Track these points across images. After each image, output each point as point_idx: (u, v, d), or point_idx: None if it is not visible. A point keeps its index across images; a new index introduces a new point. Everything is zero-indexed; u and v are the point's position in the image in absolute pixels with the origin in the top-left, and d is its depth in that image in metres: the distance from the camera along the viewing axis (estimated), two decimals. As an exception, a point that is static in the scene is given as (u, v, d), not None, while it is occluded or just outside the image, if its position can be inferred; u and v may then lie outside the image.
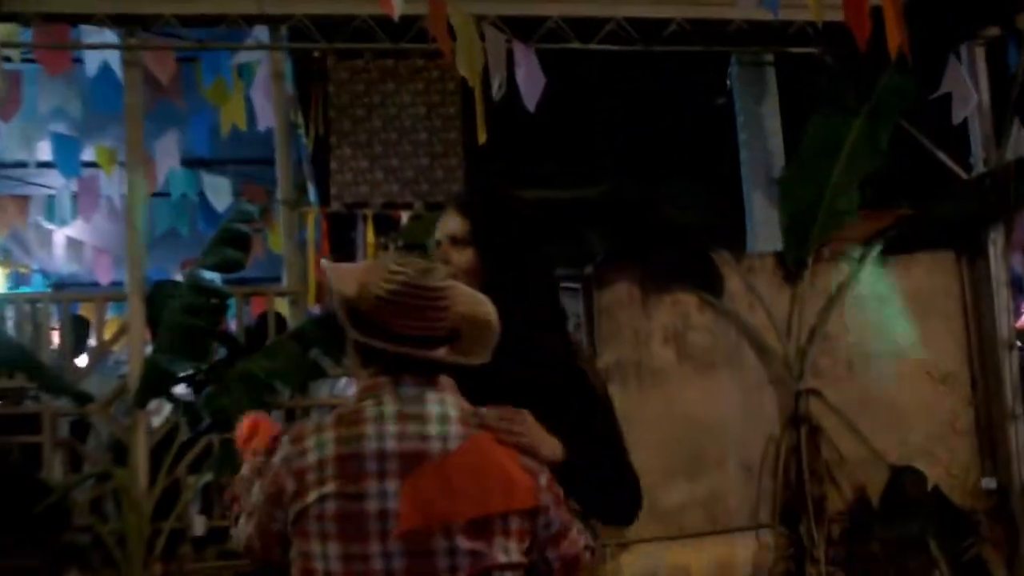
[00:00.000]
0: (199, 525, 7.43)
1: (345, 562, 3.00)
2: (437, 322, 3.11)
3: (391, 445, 3.05)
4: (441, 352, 3.12)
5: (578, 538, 3.22)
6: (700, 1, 7.94)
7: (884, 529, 7.36)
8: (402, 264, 3.12)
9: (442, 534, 3.00)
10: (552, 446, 3.17)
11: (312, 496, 3.01)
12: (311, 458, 3.04)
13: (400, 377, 3.15)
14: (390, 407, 3.11)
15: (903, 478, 7.42)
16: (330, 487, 3.02)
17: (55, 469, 7.46)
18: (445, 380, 3.18)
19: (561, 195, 6.94)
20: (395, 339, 3.09)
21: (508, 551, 3.05)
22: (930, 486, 7.43)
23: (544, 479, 3.13)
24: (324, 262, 3.29)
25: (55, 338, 8.23)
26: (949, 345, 7.87)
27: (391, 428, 3.08)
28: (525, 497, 3.08)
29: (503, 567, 3.04)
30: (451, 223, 3.48)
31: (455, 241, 3.47)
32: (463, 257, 3.46)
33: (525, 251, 3.51)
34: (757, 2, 6.91)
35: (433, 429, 3.09)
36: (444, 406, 3.14)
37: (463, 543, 3.00)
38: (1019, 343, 7.94)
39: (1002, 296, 7.77)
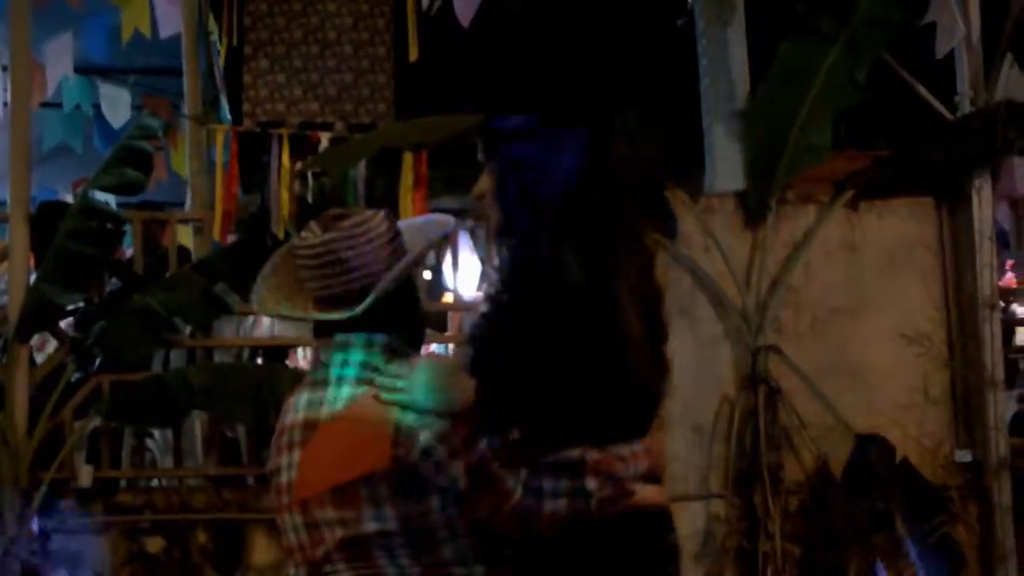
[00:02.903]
0: (85, 475, 7.42)
1: (282, 535, 3.34)
2: (332, 280, 3.31)
3: (299, 415, 3.31)
4: (326, 313, 3.33)
5: (512, 491, 3.24)
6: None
7: (846, 503, 7.43)
8: (317, 220, 3.35)
9: (316, 504, 3.21)
10: (457, 395, 3.25)
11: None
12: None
13: (318, 341, 3.42)
14: (310, 374, 3.42)
15: (869, 448, 7.50)
16: (269, 464, 3.40)
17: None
18: (358, 338, 3.33)
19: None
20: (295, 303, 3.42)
21: (382, 519, 3.17)
22: (898, 457, 7.49)
23: (427, 434, 3.17)
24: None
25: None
26: (924, 303, 7.89)
27: (304, 396, 3.34)
28: (376, 460, 3.16)
29: (375, 535, 3.18)
30: (480, 181, 3.63)
31: (482, 199, 3.62)
32: (492, 215, 3.59)
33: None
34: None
35: (329, 394, 3.28)
36: (344, 367, 3.31)
37: (329, 513, 3.19)
38: (1002, 303, 8.07)
39: (985, 250, 7.75)
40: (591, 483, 3.28)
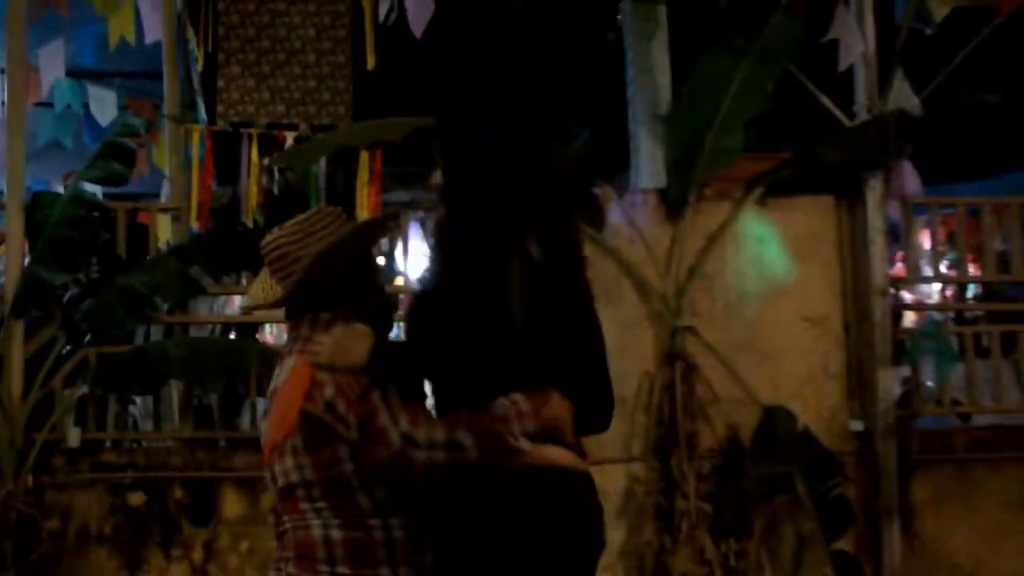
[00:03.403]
0: (74, 437, 7.81)
1: None
2: (282, 271, 3.69)
3: (271, 386, 3.72)
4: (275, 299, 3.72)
5: (392, 441, 3.48)
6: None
7: (754, 467, 7.90)
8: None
9: (269, 461, 3.64)
10: (358, 353, 3.53)
11: None
12: None
13: (287, 322, 3.80)
14: (283, 348, 3.77)
15: (774, 418, 7.94)
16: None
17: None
18: (308, 316, 3.70)
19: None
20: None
21: (301, 468, 3.53)
22: (800, 427, 7.97)
23: (330, 390, 3.49)
24: None
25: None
26: (825, 290, 8.39)
27: (277, 368, 3.74)
28: (295, 416, 3.52)
29: (299, 484, 3.55)
30: (435, 175, 3.88)
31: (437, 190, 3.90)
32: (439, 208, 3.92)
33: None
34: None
35: (285, 365, 3.68)
36: (295, 342, 3.68)
37: (275, 468, 3.61)
38: (892, 290, 8.49)
39: (878, 243, 8.29)
40: (464, 437, 3.48)
